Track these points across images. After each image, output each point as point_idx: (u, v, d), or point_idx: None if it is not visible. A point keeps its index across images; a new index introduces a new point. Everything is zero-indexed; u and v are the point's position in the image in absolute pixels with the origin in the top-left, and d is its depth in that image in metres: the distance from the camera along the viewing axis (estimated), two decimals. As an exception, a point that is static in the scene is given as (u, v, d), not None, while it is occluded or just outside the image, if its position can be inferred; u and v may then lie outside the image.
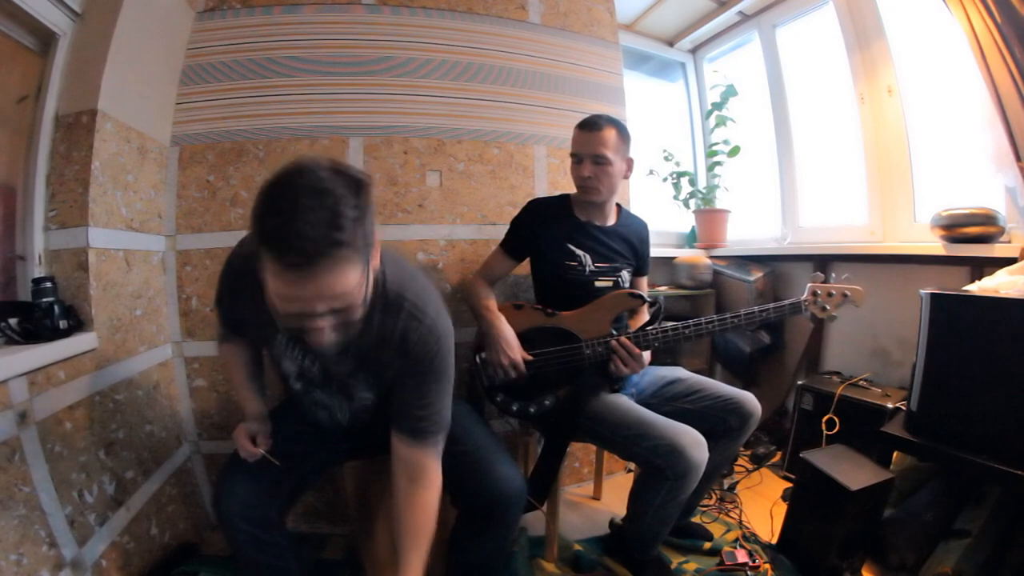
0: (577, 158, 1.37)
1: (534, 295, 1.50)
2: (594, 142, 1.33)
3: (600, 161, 1.33)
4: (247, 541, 0.93)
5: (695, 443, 1.13)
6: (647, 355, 1.31)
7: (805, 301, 1.27)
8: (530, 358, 1.31)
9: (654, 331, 1.27)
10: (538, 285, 1.48)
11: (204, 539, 1.47)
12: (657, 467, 1.14)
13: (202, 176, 1.53)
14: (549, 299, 1.40)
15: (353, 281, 0.68)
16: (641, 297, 1.36)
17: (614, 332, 1.32)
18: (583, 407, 1.29)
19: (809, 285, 1.27)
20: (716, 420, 1.29)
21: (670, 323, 1.28)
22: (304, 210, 0.62)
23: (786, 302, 1.27)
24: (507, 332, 1.30)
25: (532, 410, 1.32)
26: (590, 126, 1.35)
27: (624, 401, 1.31)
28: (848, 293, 1.25)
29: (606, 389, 1.33)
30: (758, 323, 1.25)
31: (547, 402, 1.32)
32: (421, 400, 0.90)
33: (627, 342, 1.26)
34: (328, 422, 1.06)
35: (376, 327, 0.86)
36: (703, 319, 1.27)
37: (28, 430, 0.94)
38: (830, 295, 1.25)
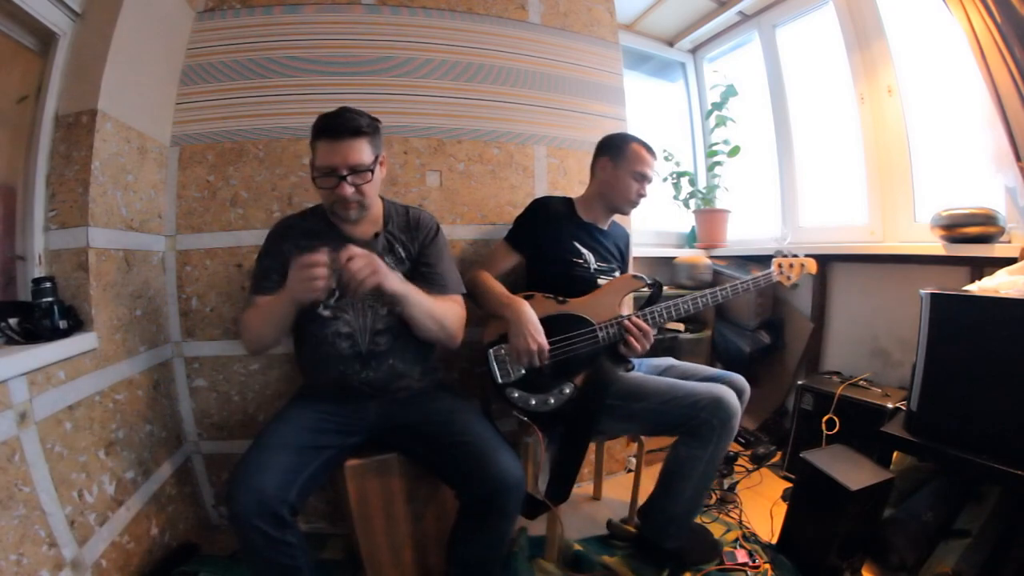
0: (649, 180, 1.49)
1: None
2: (655, 167, 1.50)
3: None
4: (260, 540, 0.93)
5: (729, 392, 1.25)
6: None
7: (773, 273, 1.46)
8: (548, 346, 1.31)
9: (660, 309, 1.36)
10: (540, 283, 1.47)
11: (204, 539, 1.47)
12: (702, 421, 1.22)
13: (202, 176, 1.53)
14: (561, 295, 1.41)
15: (366, 157, 1.11)
16: (643, 279, 1.43)
17: (622, 315, 1.36)
18: (609, 389, 1.29)
19: (773, 260, 1.48)
20: None
21: (671, 302, 1.37)
22: (339, 115, 1.11)
23: (760, 275, 1.45)
24: (534, 316, 1.30)
25: (552, 402, 1.30)
26: (655, 153, 1.50)
27: (645, 375, 1.39)
28: (804, 264, 1.47)
29: (622, 370, 1.37)
30: (741, 293, 1.43)
31: (566, 390, 1.31)
32: (437, 266, 1.24)
33: (638, 321, 1.33)
34: (349, 352, 1.17)
35: (397, 219, 1.27)
36: (698, 294, 1.38)
37: (28, 430, 0.94)
38: (791, 266, 1.46)
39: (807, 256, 1.48)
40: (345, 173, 1.09)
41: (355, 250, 1.00)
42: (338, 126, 1.09)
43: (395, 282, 1.07)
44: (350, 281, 1.00)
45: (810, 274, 1.47)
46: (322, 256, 0.99)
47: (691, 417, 1.23)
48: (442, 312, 1.18)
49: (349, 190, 1.10)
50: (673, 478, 1.31)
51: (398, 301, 1.10)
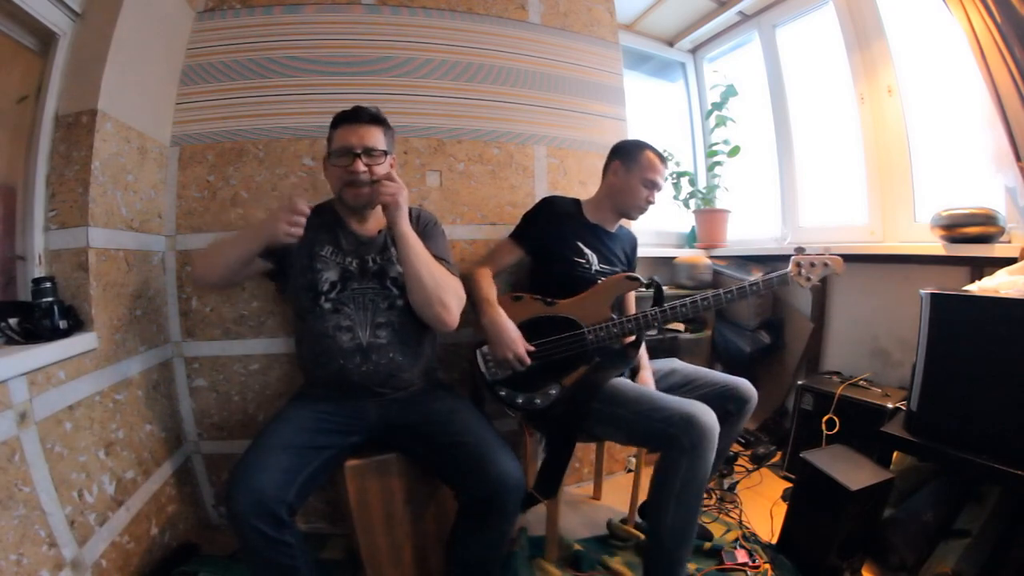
0: (659, 188, 1.49)
1: (531, 291, 1.50)
2: (665, 175, 1.51)
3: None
4: (258, 540, 0.94)
5: (705, 411, 1.15)
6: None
7: (790, 273, 1.32)
8: (532, 348, 1.31)
9: (672, 306, 1.31)
10: (542, 281, 1.48)
11: (204, 539, 1.47)
12: (673, 436, 1.13)
13: (202, 176, 1.53)
14: (554, 295, 1.40)
15: (379, 143, 1.20)
16: (638, 279, 1.40)
17: (614, 317, 1.35)
18: (596, 392, 1.28)
19: (792, 258, 1.33)
20: (715, 406, 1.28)
21: (678, 301, 1.33)
22: (358, 106, 1.22)
23: (774, 275, 1.33)
24: (508, 326, 1.30)
25: (538, 401, 1.30)
26: (666, 161, 1.50)
27: (630, 382, 1.35)
28: (828, 263, 1.31)
29: (614, 374, 1.33)
30: (749, 295, 1.32)
31: (552, 391, 1.30)
32: (433, 249, 1.24)
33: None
34: (350, 345, 1.18)
35: None
36: (709, 293, 1.32)
37: (28, 430, 0.94)
38: (812, 265, 1.31)
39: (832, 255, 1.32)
40: (359, 151, 1.17)
41: (394, 175, 1.14)
42: (358, 113, 1.20)
43: (405, 221, 1.14)
44: (376, 191, 1.14)
45: (836, 274, 1.32)
46: (306, 209, 1.08)
47: (663, 432, 1.14)
48: (440, 272, 1.20)
49: (362, 166, 1.17)
50: (655, 497, 1.19)
51: (399, 238, 1.14)
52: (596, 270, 1.47)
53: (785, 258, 1.41)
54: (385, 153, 1.21)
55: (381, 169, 1.19)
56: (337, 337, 1.18)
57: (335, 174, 1.21)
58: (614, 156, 1.52)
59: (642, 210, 1.51)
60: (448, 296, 1.19)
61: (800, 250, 1.34)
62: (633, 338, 1.37)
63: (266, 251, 1.18)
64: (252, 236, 1.13)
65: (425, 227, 1.31)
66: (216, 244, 1.21)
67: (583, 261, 1.46)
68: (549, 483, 1.28)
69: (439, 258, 1.25)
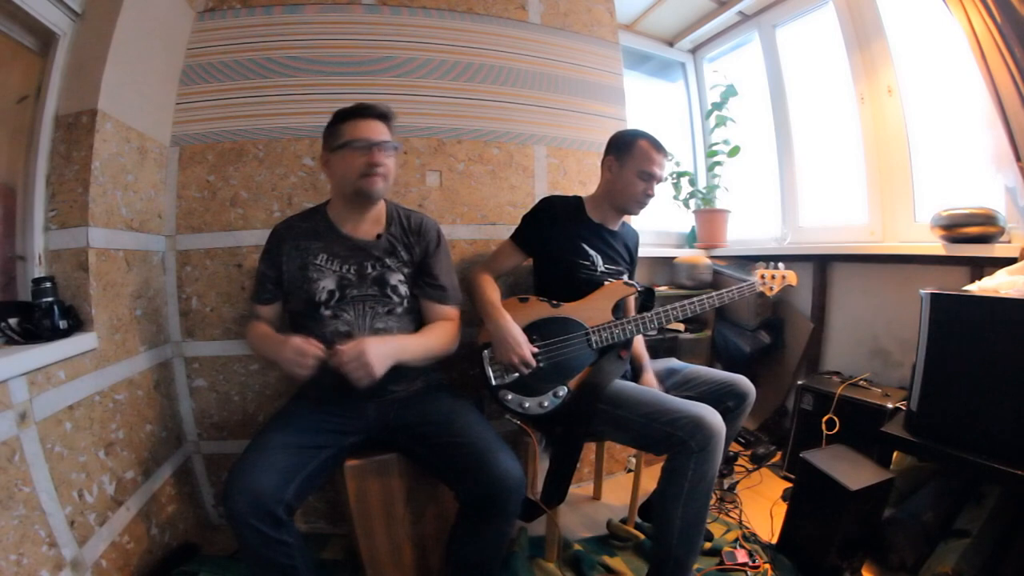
0: (656, 179, 1.43)
1: (535, 293, 1.50)
2: (665, 165, 1.45)
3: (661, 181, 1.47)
4: (256, 540, 0.94)
5: (711, 413, 1.16)
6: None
7: (757, 283, 1.49)
8: (536, 350, 1.30)
9: (665, 310, 1.35)
10: (546, 283, 1.47)
11: (204, 539, 1.47)
12: (680, 440, 1.13)
13: (202, 176, 1.53)
14: (557, 297, 1.40)
15: (389, 137, 1.21)
16: (635, 285, 1.43)
17: (614, 319, 1.36)
18: (601, 391, 1.27)
19: (757, 271, 1.53)
20: (715, 403, 1.28)
21: (669, 306, 1.37)
22: (369, 103, 1.21)
23: (744, 284, 1.47)
24: (514, 330, 1.29)
25: (546, 404, 1.29)
26: (665, 150, 1.44)
27: (635, 384, 1.35)
28: (785, 276, 1.51)
29: (616, 373, 1.33)
30: (727, 302, 1.44)
31: (560, 393, 1.30)
32: (439, 278, 1.29)
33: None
34: None
35: (400, 222, 1.30)
36: (695, 299, 1.38)
37: (28, 430, 0.94)
38: (773, 278, 1.50)
39: (794, 263, 1.48)
40: (377, 143, 1.17)
41: (345, 353, 1.04)
42: (372, 108, 1.21)
43: (387, 361, 1.09)
44: (349, 376, 1.05)
45: (790, 285, 1.51)
46: (314, 349, 1.06)
47: (669, 436, 1.14)
48: (436, 345, 1.23)
49: (382, 157, 1.18)
50: (661, 502, 1.19)
51: (398, 365, 1.13)
52: (602, 271, 1.45)
53: (785, 258, 1.46)
54: (395, 148, 1.22)
55: (390, 162, 1.21)
56: (336, 343, 1.16)
57: (350, 163, 1.16)
58: (608, 151, 1.48)
59: (641, 204, 1.45)
60: (447, 351, 1.26)
61: (762, 263, 1.54)
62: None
63: (273, 285, 1.25)
64: (272, 358, 1.16)
65: (428, 246, 1.29)
66: (252, 342, 1.26)
67: (587, 263, 1.44)
68: (557, 489, 1.26)
69: (438, 285, 1.27)
